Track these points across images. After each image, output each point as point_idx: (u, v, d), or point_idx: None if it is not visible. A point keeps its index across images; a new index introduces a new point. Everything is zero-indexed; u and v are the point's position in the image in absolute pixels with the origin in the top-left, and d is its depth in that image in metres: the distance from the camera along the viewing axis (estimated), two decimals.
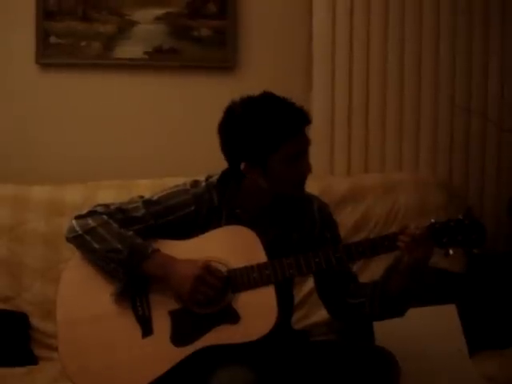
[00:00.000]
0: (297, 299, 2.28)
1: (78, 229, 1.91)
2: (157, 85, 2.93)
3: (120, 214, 1.93)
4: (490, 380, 2.28)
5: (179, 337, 1.83)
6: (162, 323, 1.85)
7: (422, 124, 2.99)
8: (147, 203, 1.95)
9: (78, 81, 2.89)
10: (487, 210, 3.02)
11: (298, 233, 2.01)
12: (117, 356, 1.83)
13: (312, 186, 2.09)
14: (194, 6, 2.87)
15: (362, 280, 2.07)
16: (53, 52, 2.83)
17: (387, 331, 2.33)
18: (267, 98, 1.89)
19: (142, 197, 1.99)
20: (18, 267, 2.57)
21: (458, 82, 2.99)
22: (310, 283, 2.46)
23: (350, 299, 1.99)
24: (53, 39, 2.82)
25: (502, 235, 2.98)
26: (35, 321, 2.53)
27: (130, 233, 1.89)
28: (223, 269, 1.87)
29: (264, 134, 1.84)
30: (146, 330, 1.85)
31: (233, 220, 1.95)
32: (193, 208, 1.94)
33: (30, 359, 2.45)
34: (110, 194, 2.56)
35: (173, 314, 1.86)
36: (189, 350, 1.80)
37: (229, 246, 1.90)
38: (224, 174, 1.99)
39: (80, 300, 1.90)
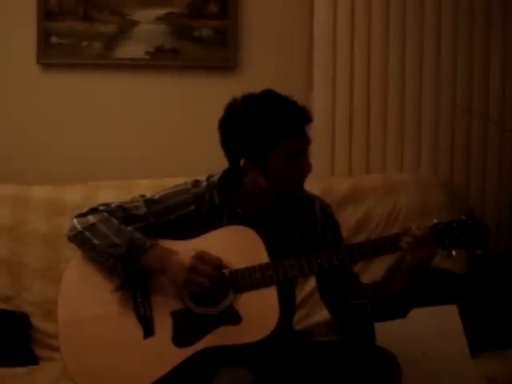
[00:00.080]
0: (298, 299, 2.28)
1: (78, 226, 1.91)
2: (158, 85, 2.93)
3: (121, 212, 1.93)
4: (491, 381, 2.28)
5: (181, 338, 1.82)
6: (163, 324, 1.84)
7: (424, 124, 2.99)
8: (148, 202, 1.95)
9: (78, 81, 2.89)
10: (488, 211, 3.02)
11: (300, 233, 2.00)
12: (118, 356, 1.82)
13: (313, 187, 2.09)
14: (195, 6, 2.87)
15: (363, 280, 2.07)
16: (54, 52, 2.83)
17: (388, 332, 2.32)
18: (268, 96, 1.90)
19: (143, 196, 1.99)
20: (19, 267, 2.56)
21: (460, 82, 2.99)
22: (311, 283, 2.46)
23: (352, 300, 1.98)
24: (54, 39, 2.82)
25: (503, 236, 2.98)
26: (36, 321, 2.52)
27: (130, 228, 1.89)
28: (225, 269, 1.87)
29: (264, 131, 1.84)
30: (148, 330, 1.85)
31: (234, 220, 1.95)
32: (194, 207, 1.94)
33: (31, 359, 2.45)
34: (110, 194, 2.55)
35: (174, 315, 1.85)
36: (190, 350, 1.80)
37: (230, 246, 1.89)
38: (225, 174, 1.99)
39: (81, 300, 1.89)
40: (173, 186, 2.00)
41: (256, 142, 1.86)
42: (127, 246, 1.85)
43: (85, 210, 1.95)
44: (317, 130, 2.84)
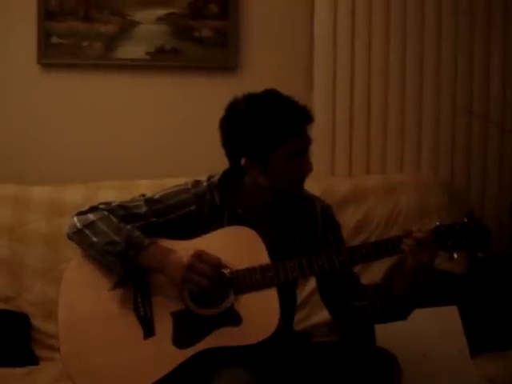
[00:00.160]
0: (299, 299, 2.28)
1: (78, 224, 1.91)
2: (158, 85, 2.92)
3: (121, 211, 1.93)
4: (491, 381, 2.28)
5: (181, 338, 1.82)
6: (163, 324, 1.84)
7: (424, 125, 2.99)
8: (149, 201, 1.95)
9: (79, 81, 2.89)
10: (489, 212, 3.02)
11: (301, 234, 2.00)
12: (118, 357, 1.82)
13: (313, 187, 2.09)
14: (196, 7, 2.87)
15: (363, 282, 2.06)
16: (54, 52, 2.83)
17: (389, 332, 2.32)
18: (270, 95, 1.90)
19: (143, 195, 1.99)
20: (19, 267, 2.56)
21: (460, 83, 2.99)
22: (311, 283, 2.46)
23: (352, 301, 1.98)
24: (54, 39, 2.82)
25: (503, 237, 2.98)
26: (36, 321, 2.52)
27: (129, 226, 1.89)
28: (225, 270, 1.87)
29: (266, 130, 1.85)
30: (148, 331, 1.84)
31: (235, 220, 1.95)
32: (194, 207, 1.94)
33: (31, 359, 2.45)
34: (110, 195, 2.55)
35: (175, 316, 1.85)
36: (190, 351, 1.80)
37: (231, 247, 1.89)
38: (225, 174, 1.99)
39: (81, 300, 1.89)
40: (173, 186, 2.00)
41: (257, 141, 1.86)
42: (126, 244, 1.85)
43: (85, 208, 1.95)
44: (317, 131, 2.84)
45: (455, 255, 1.83)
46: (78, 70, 2.88)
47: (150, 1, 2.84)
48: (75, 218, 1.93)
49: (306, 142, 1.92)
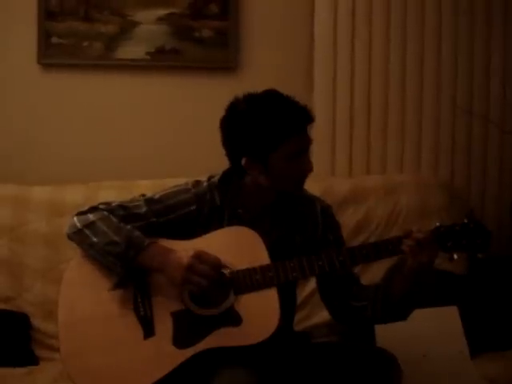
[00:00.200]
0: (299, 300, 2.28)
1: (78, 224, 1.91)
2: (158, 85, 2.92)
3: (121, 211, 1.93)
4: (491, 382, 2.28)
5: (181, 339, 1.82)
6: (163, 324, 1.84)
7: (424, 125, 2.99)
8: (149, 201, 1.95)
9: (79, 81, 2.89)
10: (489, 212, 3.02)
11: (301, 235, 2.00)
12: (118, 357, 1.82)
13: (313, 187, 2.09)
14: (196, 7, 2.87)
15: (363, 282, 2.06)
16: (54, 52, 2.83)
17: (389, 333, 2.32)
18: (271, 95, 1.90)
19: (143, 195, 1.99)
20: (19, 268, 2.57)
21: (460, 83, 2.99)
22: (311, 284, 2.46)
23: (352, 302, 1.98)
24: (54, 39, 2.82)
25: (503, 237, 2.98)
26: (36, 321, 2.52)
27: (129, 227, 1.89)
28: (226, 270, 1.87)
29: (267, 130, 1.84)
30: (148, 331, 1.84)
31: (235, 220, 1.95)
32: (194, 207, 1.94)
33: (31, 359, 2.45)
34: (110, 195, 2.54)
35: (175, 316, 1.85)
36: (190, 351, 1.80)
37: (231, 247, 1.89)
38: (225, 174, 1.99)
39: (82, 300, 1.89)
40: (173, 186, 2.00)
41: (258, 141, 1.86)
42: (125, 244, 1.85)
43: (85, 208, 1.95)
44: (317, 131, 2.84)
45: (455, 256, 1.83)
46: (78, 70, 2.88)
47: (150, 1, 2.84)
48: (75, 218, 1.93)
49: (307, 142, 1.92)
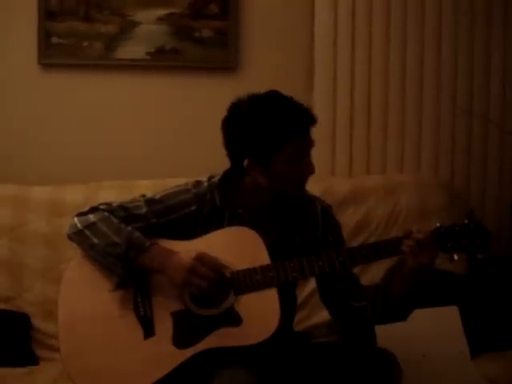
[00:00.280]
0: (299, 300, 2.28)
1: (78, 225, 1.91)
2: (158, 85, 2.92)
3: (122, 212, 1.93)
4: (491, 382, 2.28)
5: (181, 339, 1.82)
6: (163, 324, 1.84)
7: (424, 125, 2.99)
8: (149, 202, 1.95)
9: (79, 81, 2.89)
10: (489, 212, 3.01)
11: (301, 235, 2.00)
12: (118, 357, 1.82)
13: (313, 187, 2.09)
14: (196, 7, 2.87)
15: (363, 282, 2.06)
16: (54, 52, 2.83)
17: (389, 333, 2.32)
18: (274, 97, 1.89)
19: (143, 196, 1.99)
20: (19, 268, 2.56)
21: (460, 83, 2.99)
22: (311, 284, 2.46)
23: (352, 302, 1.98)
24: (54, 39, 2.82)
25: (503, 237, 2.98)
26: (36, 321, 2.52)
27: (129, 228, 1.89)
28: (226, 270, 1.86)
29: (270, 132, 1.84)
30: (148, 331, 1.85)
31: (235, 220, 1.95)
32: (194, 207, 1.94)
33: (31, 359, 2.45)
34: (110, 195, 2.55)
35: (175, 316, 1.85)
36: (190, 352, 1.80)
37: (231, 247, 1.89)
38: (226, 174, 1.99)
39: (82, 300, 1.89)
40: (173, 186, 2.00)
41: (261, 142, 1.85)
42: (126, 245, 1.85)
43: (86, 208, 1.95)
44: (317, 131, 2.79)
45: (455, 256, 1.83)
46: (78, 70, 2.88)
47: (150, 1, 2.84)
48: (76, 219, 1.93)
49: (309, 144, 1.92)
